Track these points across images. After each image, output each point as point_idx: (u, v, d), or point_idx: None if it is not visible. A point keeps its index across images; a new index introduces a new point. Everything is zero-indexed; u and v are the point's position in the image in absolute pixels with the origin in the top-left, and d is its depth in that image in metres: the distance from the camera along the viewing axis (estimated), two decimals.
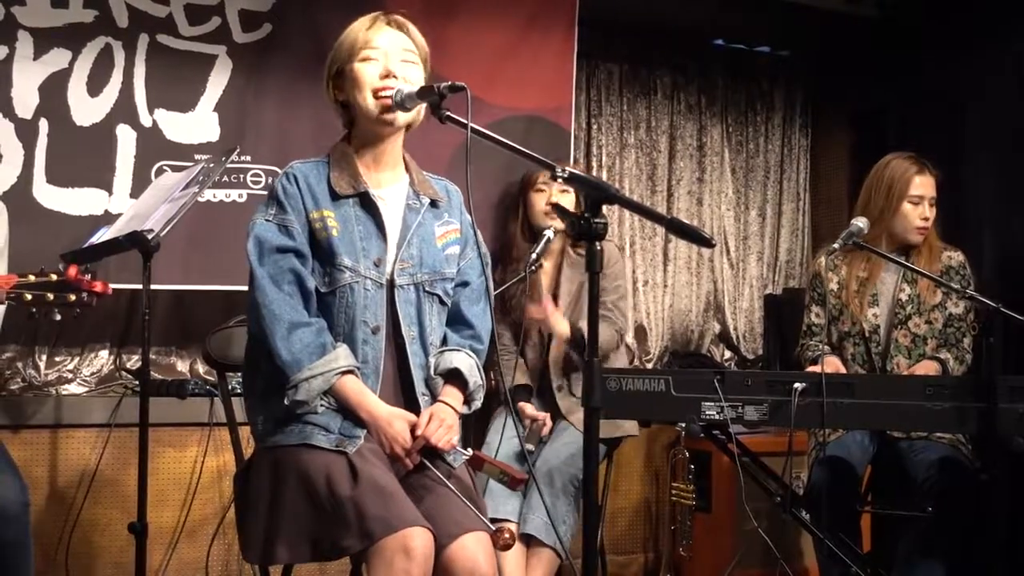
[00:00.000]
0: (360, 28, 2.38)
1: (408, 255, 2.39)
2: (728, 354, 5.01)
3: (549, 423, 3.45)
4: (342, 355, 2.28)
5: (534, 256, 3.36)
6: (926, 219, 3.43)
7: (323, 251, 2.34)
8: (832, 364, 3.35)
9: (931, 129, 4.38)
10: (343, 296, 2.33)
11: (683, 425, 3.86)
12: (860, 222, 3.22)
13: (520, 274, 3.47)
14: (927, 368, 3.31)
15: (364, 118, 2.38)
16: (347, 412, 2.29)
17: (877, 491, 3.54)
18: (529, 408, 3.47)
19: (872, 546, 3.80)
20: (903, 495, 3.32)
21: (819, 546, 3.24)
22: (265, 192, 3.60)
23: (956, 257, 3.46)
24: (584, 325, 3.43)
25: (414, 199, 2.44)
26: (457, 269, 2.49)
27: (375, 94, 2.33)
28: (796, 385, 2.78)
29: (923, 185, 3.44)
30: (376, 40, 2.36)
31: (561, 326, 3.41)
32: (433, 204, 2.47)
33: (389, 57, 2.35)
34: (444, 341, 2.48)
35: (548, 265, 3.62)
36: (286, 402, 2.25)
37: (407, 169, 2.48)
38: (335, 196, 2.36)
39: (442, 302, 2.45)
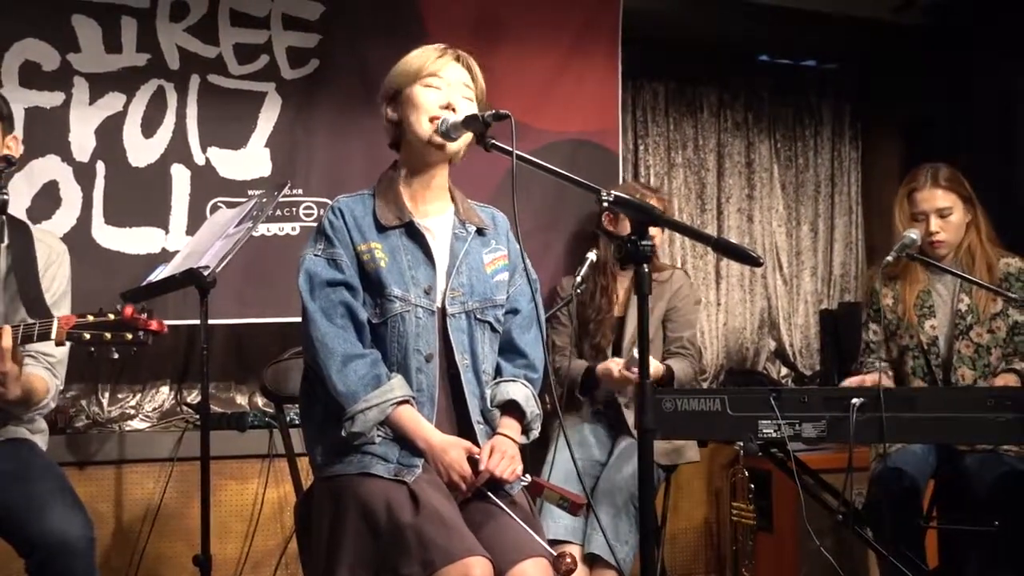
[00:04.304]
0: (429, 56, 2.40)
1: (458, 283, 2.41)
2: (785, 371, 4.97)
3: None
4: (397, 385, 2.30)
5: (578, 279, 3.42)
6: (932, 234, 3.35)
7: (372, 283, 2.36)
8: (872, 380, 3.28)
9: (981, 136, 4.32)
10: (395, 326, 2.35)
11: (741, 444, 3.82)
12: (913, 233, 3.19)
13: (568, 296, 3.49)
14: (1005, 381, 3.20)
15: (415, 139, 2.39)
16: (404, 442, 2.30)
17: (942, 506, 3.47)
18: (613, 364, 3.40)
19: (939, 562, 3.72)
20: (969, 509, 3.25)
21: (883, 563, 3.18)
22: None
23: (1014, 264, 3.38)
24: (671, 363, 3.47)
25: (460, 228, 2.46)
26: (507, 296, 2.50)
27: (431, 120, 2.35)
28: (854, 400, 2.73)
29: (923, 200, 3.36)
30: (443, 71, 2.39)
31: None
32: (480, 232, 2.48)
33: (452, 89, 2.38)
34: (498, 371, 2.48)
35: (621, 294, 3.63)
36: (343, 433, 2.27)
37: (452, 199, 2.50)
38: (381, 228, 2.39)
39: (493, 329, 2.46)
